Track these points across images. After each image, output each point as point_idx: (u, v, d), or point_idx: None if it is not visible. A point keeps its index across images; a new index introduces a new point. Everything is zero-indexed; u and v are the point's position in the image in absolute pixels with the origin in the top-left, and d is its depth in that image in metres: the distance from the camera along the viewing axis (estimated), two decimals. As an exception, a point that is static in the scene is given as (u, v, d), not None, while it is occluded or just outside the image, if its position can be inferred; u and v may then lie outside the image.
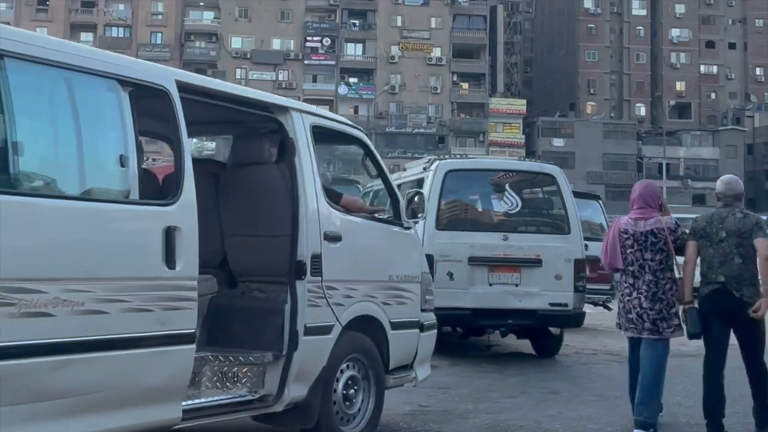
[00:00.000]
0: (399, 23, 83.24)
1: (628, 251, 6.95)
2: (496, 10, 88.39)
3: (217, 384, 5.54)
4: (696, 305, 6.80)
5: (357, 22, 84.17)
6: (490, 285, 10.41)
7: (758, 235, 6.63)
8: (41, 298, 3.95)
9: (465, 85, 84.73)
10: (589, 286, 11.47)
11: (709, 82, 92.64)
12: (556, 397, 8.48)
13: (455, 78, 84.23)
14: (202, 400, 5.25)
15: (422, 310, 6.81)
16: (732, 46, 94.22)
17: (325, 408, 5.74)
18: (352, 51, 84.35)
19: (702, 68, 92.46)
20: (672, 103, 73.50)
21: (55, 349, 4.04)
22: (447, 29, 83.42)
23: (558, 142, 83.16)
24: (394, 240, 6.56)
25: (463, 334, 11.77)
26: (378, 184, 12.93)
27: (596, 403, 8.16)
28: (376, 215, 6.66)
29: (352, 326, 5.96)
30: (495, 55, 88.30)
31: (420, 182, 10.76)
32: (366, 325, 6.14)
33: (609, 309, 14.47)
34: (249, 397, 5.47)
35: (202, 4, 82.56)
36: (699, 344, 6.98)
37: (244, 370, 5.53)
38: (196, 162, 5.04)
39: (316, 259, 5.61)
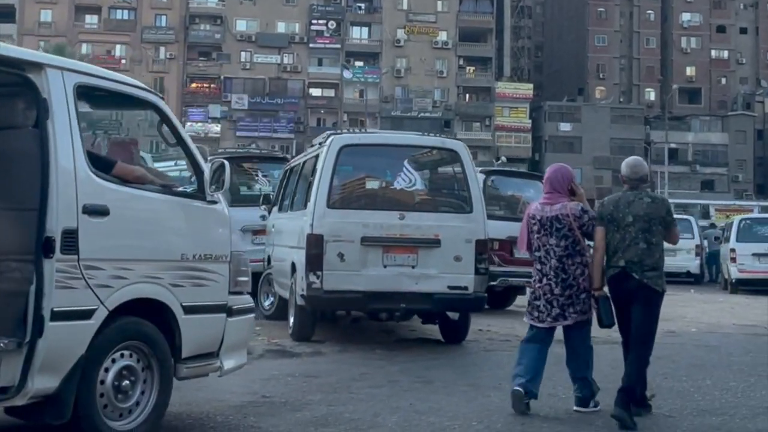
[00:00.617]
0: (405, 6, 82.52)
1: (536, 236, 6.97)
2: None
3: None
4: (607, 292, 6.82)
5: (362, 5, 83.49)
6: (385, 267, 9.76)
7: (673, 225, 6.86)
8: None
9: (471, 69, 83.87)
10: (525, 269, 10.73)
11: (719, 67, 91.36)
12: (424, 387, 7.86)
13: (461, 62, 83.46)
14: None
15: (232, 293, 6.11)
16: (743, 30, 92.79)
17: (85, 401, 5.10)
18: (358, 34, 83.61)
19: (713, 53, 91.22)
20: (675, 87, 72.23)
21: None
22: (453, 12, 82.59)
23: (565, 127, 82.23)
24: (189, 215, 5.83)
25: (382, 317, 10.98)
26: (295, 164, 12.45)
27: (462, 394, 7.53)
28: (171, 188, 5.99)
29: (126, 311, 5.32)
30: (502, 38, 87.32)
31: (317, 159, 10.16)
32: (148, 310, 5.50)
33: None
34: None
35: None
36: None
37: None
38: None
39: (70, 234, 4.96)
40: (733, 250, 23.74)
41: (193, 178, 6.06)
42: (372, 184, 10.43)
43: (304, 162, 11.25)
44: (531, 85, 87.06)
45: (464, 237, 9.88)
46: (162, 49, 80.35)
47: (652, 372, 7.38)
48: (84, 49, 78.91)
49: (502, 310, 15.18)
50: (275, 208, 12.62)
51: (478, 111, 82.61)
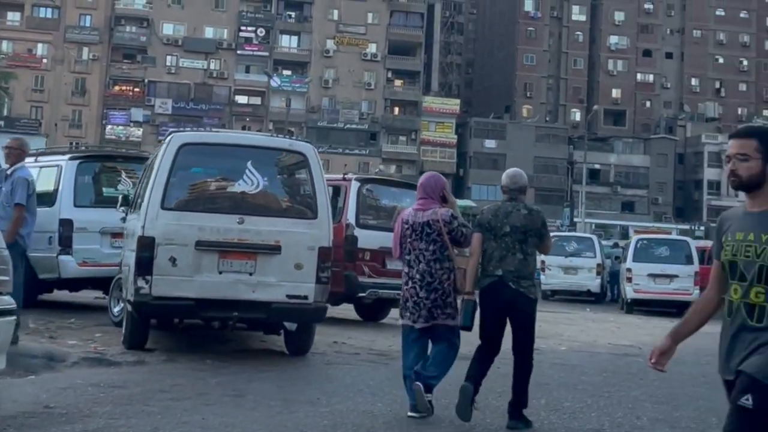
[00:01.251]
0: (335, 17, 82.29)
1: (408, 241, 7.15)
2: (433, 8, 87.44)
3: None
4: (476, 298, 6.94)
5: (293, 13, 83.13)
6: (220, 273, 9.22)
7: (546, 237, 7.07)
8: None
9: (399, 82, 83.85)
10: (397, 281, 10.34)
11: (644, 90, 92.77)
12: (232, 401, 7.32)
13: (390, 75, 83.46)
14: None
15: (-15, 293, 5.59)
16: (669, 55, 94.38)
17: None
18: (287, 43, 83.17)
19: (638, 76, 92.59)
20: (595, 108, 72.99)
21: None
22: (383, 25, 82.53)
23: (490, 144, 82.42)
24: None
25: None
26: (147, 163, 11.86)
27: (268, 410, 7.03)
28: None
29: None
30: (431, 53, 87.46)
31: (155, 158, 9.61)
32: None
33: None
34: None
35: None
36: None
37: None
38: None
39: None
40: (629, 270, 23.53)
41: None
42: (212, 186, 9.87)
43: (151, 161, 10.69)
44: (458, 101, 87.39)
45: (307, 244, 9.40)
46: (85, 49, 78.96)
47: (486, 389, 7.21)
48: (4, 46, 77.25)
49: (374, 323, 14.75)
50: (131, 210, 12.02)
51: (404, 124, 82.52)
